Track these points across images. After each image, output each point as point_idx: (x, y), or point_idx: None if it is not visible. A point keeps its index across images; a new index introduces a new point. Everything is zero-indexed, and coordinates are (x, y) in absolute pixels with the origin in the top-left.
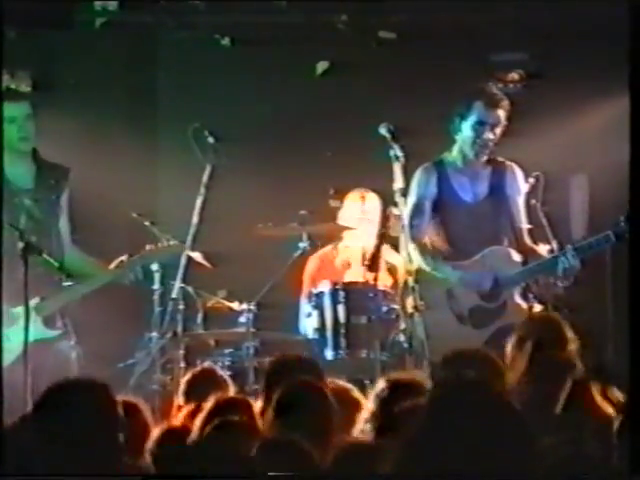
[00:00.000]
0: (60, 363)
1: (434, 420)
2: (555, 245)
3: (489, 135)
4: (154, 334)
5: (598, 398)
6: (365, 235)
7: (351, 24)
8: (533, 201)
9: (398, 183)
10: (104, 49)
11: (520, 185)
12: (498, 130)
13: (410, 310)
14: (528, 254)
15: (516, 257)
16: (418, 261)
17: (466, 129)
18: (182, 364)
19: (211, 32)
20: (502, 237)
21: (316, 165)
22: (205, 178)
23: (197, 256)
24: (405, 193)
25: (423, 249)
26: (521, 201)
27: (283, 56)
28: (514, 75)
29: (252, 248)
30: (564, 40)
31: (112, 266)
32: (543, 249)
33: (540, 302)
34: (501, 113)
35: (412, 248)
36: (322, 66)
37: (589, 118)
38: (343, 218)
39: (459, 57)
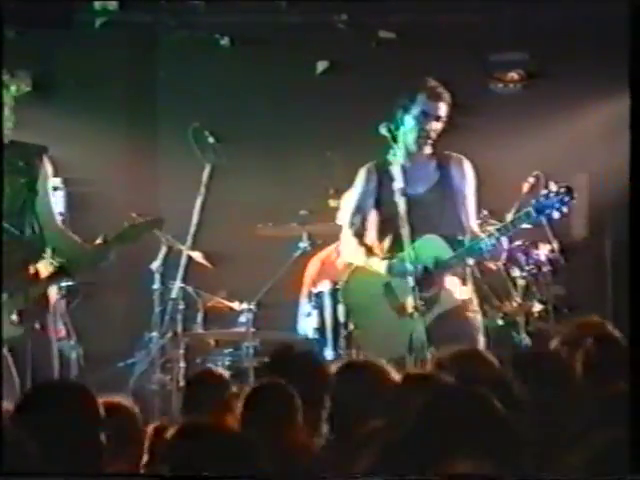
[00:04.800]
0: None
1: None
2: (556, 245)
3: (432, 126)
4: (154, 334)
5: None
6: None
7: (351, 24)
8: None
9: (398, 183)
10: (104, 49)
11: (467, 176)
12: (440, 124)
13: (410, 310)
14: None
15: (445, 244)
16: (351, 256)
17: (409, 121)
18: (182, 364)
19: (211, 32)
20: (446, 228)
21: (316, 165)
22: (205, 178)
23: (197, 256)
24: (405, 193)
25: (357, 243)
26: (469, 192)
27: (283, 56)
28: (514, 75)
29: (252, 248)
30: (564, 40)
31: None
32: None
33: (540, 302)
34: (443, 106)
35: (347, 244)
36: (322, 65)
37: (589, 118)
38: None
39: (459, 57)
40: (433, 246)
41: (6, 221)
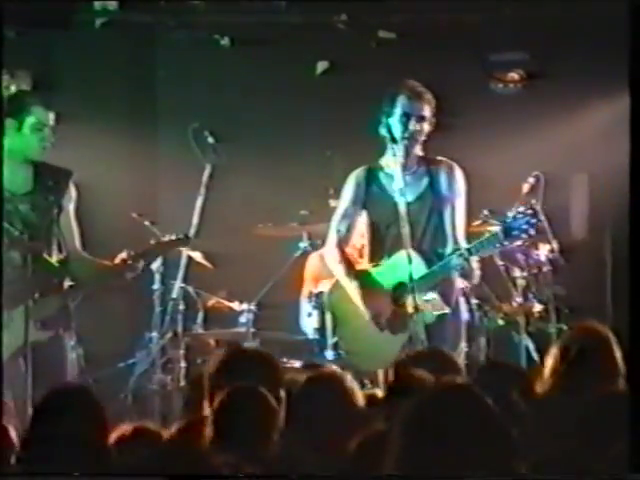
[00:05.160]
0: (61, 363)
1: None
2: (555, 245)
3: (416, 127)
4: (154, 334)
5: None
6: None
7: (351, 24)
8: (533, 201)
9: (398, 183)
10: (104, 49)
11: (458, 183)
12: (425, 125)
13: (410, 310)
14: None
15: (421, 260)
16: (331, 265)
17: (394, 124)
18: (182, 364)
19: (211, 32)
20: (430, 240)
21: (316, 165)
22: (205, 178)
23: (197, 256)
24: (404, 193)
25: (339, 255)
26: (459, 200)
27: (283, 56)
28: (514, 75)
29: (252, 248)
30: (564, 40)
31: (115, 261)
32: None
33: (540, 302)
34: (425, 106)
35: (330, 252)
36: (322, 66)
37: (589, 118)
38: None
39: (459, 57)
40: (408, 262)
41: (34, 236)
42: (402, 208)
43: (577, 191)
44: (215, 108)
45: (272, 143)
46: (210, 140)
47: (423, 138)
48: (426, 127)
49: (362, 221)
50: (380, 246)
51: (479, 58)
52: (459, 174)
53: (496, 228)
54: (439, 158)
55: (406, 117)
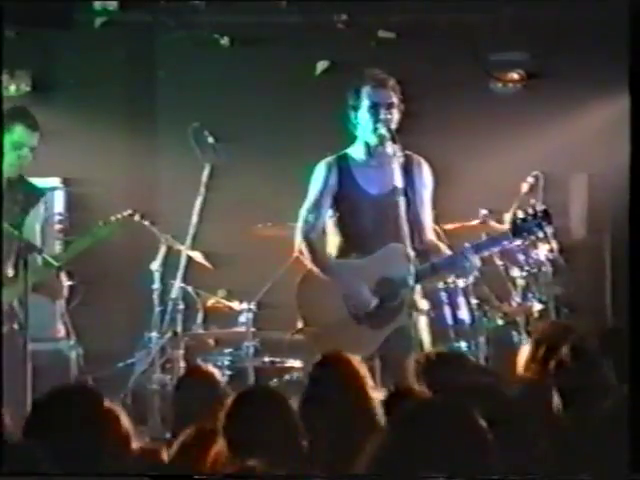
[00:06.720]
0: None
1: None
2: (555, 245)
3: (387, 115)
4: (154, 334)
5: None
6: None
7: (351, 24)
8: (533, 200)
9: (397, 183)
10: (104, 49)
11: (426, 180)
12: (395, 112)
13: (410, 310)
14: (430, 251)
15: (412, 255)
16: (303, 260)
17: (363, 117)
18: (182, 364)
19: (211, 32)
20: (405, 232)
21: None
22: (205, 178)
23: (197, 256)
24: (406, 193)
25: (307, 246)
26: (427, 196)
27: (283, 56)
28: (514, 75)
29: (252, 248)
30: (564, 40)
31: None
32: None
33: (540, 302)
34: (391, 92)
35: (303, 246)
36: (322, 65)
37: (589, 118)
38: None
39: (459, 57)
40: (398, 256)
41: None
42: (402, 208)
43: (577, 191)
44: (215, 108)
45: (272, 143)
46: (210, 140)
47: (394, 126)
48: (396, 115)
49: (331, 212)
50: (356, 239)
51: (479, 58)
52: (426, 169)
53: (506, 227)
54: (407, 152)
55: (375, 107)
